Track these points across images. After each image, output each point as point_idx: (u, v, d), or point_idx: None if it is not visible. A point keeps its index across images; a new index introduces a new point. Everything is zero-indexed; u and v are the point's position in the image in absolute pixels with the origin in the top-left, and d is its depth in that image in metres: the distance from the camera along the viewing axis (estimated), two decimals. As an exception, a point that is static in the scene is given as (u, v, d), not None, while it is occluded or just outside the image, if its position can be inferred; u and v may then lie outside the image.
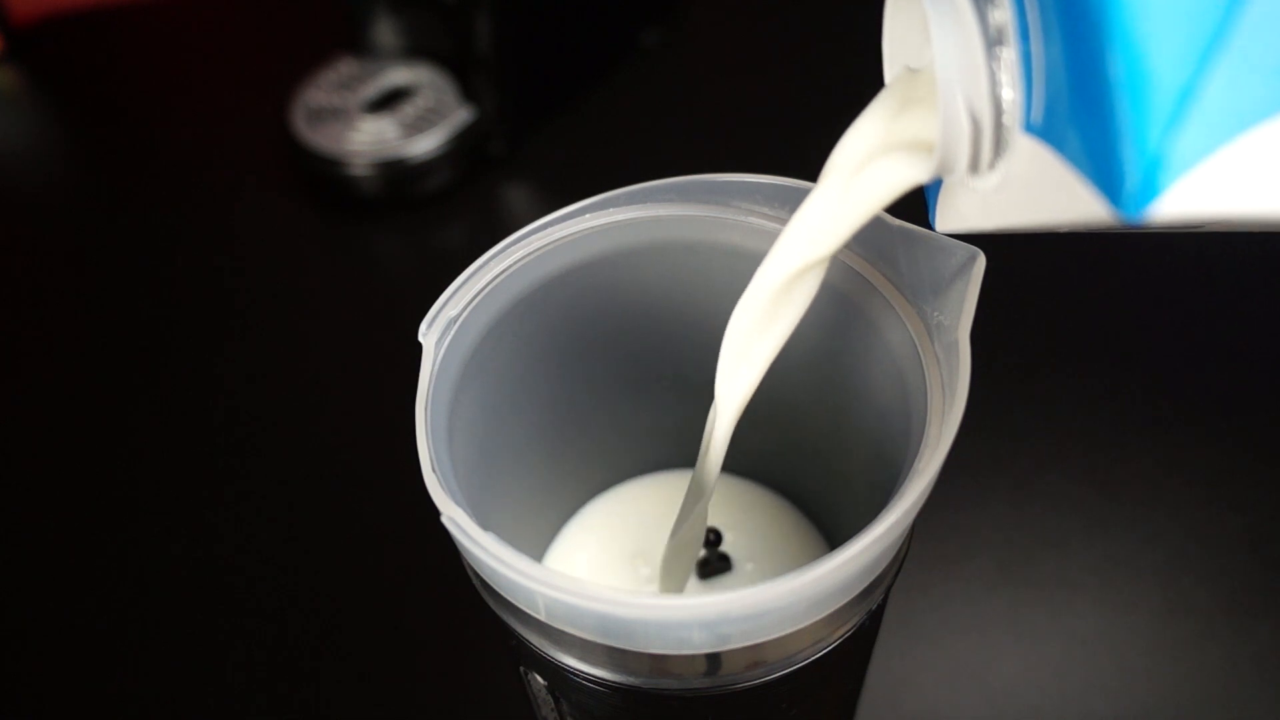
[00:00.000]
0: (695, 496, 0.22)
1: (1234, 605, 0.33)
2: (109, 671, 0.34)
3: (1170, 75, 0.11)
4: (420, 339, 0.20)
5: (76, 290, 0.47)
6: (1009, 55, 0.14)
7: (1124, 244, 0.43)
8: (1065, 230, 0.14)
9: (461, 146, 0.47)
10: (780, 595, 0.16)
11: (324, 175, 0.47)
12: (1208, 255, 0.43)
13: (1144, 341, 0.41)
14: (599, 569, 0.27)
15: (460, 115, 0.47)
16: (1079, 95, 0.13)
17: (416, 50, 0.50)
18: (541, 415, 0.25)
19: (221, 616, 0.35)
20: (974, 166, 0.16)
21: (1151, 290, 0.42)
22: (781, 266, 0.18)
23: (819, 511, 0.27)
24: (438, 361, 0.20)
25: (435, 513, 0.17)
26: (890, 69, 0.19)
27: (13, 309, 0.47)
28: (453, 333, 0.20)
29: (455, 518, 0.17)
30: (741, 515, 0.28)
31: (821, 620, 0.18)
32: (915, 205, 0.19)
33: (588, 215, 0.22)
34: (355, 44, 0.51)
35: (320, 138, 0.47)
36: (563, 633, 0.18)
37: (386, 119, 0.47)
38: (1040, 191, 0.14)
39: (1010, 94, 0.15)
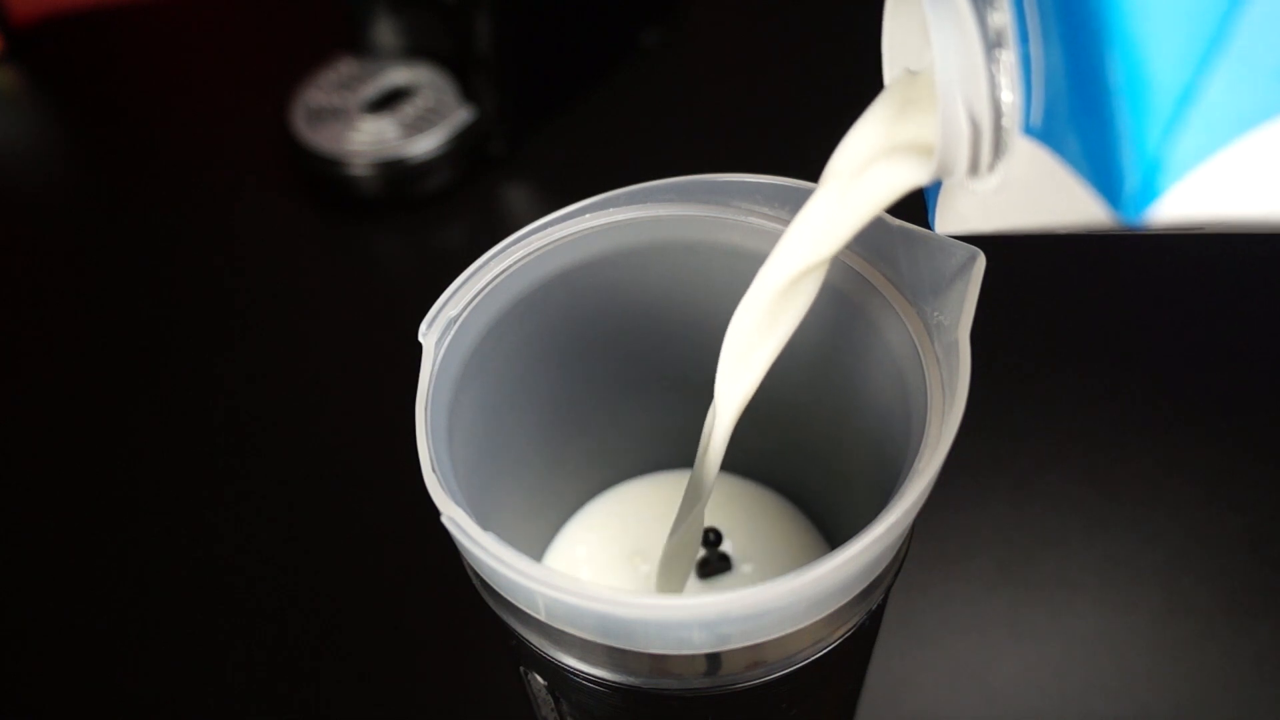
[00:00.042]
0: (694, 497, 0.22)
1: (1234, 605, 0.33)
2: (109, 671, 0.34)
3: (1169, 78, 0.11)
4: (420, 339, 0.20)
5: (76, 290, 0.47)
6: (1008, 58, 0.14)
7: (1124, 244, 0.43)
8: (1065, 232, 0.14)
9: (461, 146, 0.47)
10: (780, 595, 0.16)
11: (324, 175, 0.47)
12: (1208, 255, 0.43)
13: (1144, 341, 0.41)
14: (599, 568, 0.27)
15: (460, 115, 0.47)
16: (1078, 98, 0.13)
17: (416, 50, 0.50)
18: (541, 415, 0.25)
19: (221, 616, 0.35)
20: (973, 169, 0.16)
21: (1151, 290, 0.42)
22: (783, 268, 0.19)
23: (819, 511, 0.27)
24: (438, 361, 0.20)
25: (435, 513, 0.17)
26: (890, 71, 0.19)
27: (13, 309, 0.47)
28: (453, 333, 0.20)
29: (455, 518, 0.17)
30: (741, 515, 0.28)
31: (821, 620, 0.18)
32: (915, 205, 0.19)
33: (588, 215, 0.22)
34: (355, 44, 0.51)
35: (320, 138, 0.47)
36: (563, 633, 0.18)
37: (386, 119, 0.47)
38: (1039, 194, 0.14)
39: (1009, 97, 0.15)
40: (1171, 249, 0.43)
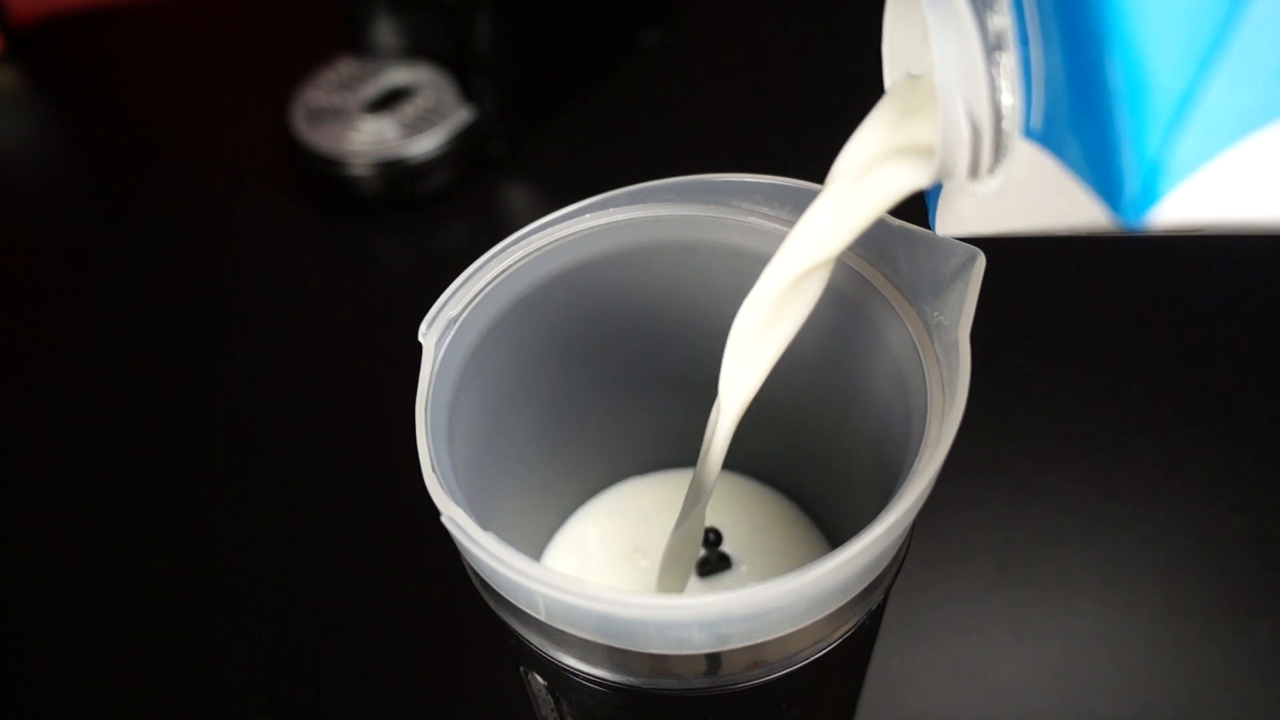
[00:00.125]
0: (695, 495, 0.22)
1: (1234, 605, 0.33)
2: (109, 671, 0.34)
3: (1170, 81, 0.12)
4: (420, 339, 0.20)
5: (76, 290, 0.47)
6: (1009, 61, 0.14)
7: (1124, 245, 0.43)
8: (1065, 234, 0.14)
9: (461, 146, 0.47)
10: (780, 595, 0.16)
11: (324, 175, 0.47)
12: (1208, 256, 0.43)
13: (1144, 341, 0.41)
14: (599, 567, 0.27)
15: (460, 115, 0.47)
16: (1078, 101, 0.13)
17: (416, 50, 0.50)
18: (541, 415, 0.25)
19: (221, 616, 0.35)
20: (974, 172, 0.16)
21: (1151, 290, 0.42)
22: (787, 268, 0.19)
23: (820, 511, 0.27)
24: (438, 361, 0.20)
25: (435, 513, 0.17)
26: (890, 75, 0.19)
27: (13, 309, 0.47)
28: (453, 333, 0.20)
29: (455, 518, 0.17)
30: (742, 514, 0.28)
31: (821, 620, 0.18)
32: (916, 206, 0.19)
33: (588, 215, 0.22)
34: (355, 44, 0.51)
35: (320, 138, 0.47)
36: (563, 633, 0.18)
37: (386, 119, 0.47)
38: (1040, 196, 0.14)
39: (1010, 100, 0.15)
40: (1171, 249, 0.43)
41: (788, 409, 0.24)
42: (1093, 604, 0.33)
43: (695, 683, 0.18)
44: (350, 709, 0.32)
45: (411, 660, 0.33)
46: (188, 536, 0.37)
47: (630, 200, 0.22)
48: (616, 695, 0.19)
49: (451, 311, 0.20)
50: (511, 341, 0.22)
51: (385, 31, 0.50)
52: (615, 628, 0.17)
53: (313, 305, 0.45)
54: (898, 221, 0.20)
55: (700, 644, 0.17)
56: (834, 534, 0.27)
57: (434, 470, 0.18)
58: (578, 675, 0.19)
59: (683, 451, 0.28)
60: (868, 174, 0.18)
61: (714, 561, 0.26)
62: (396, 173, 0.47)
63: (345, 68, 0.50)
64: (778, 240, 0.20)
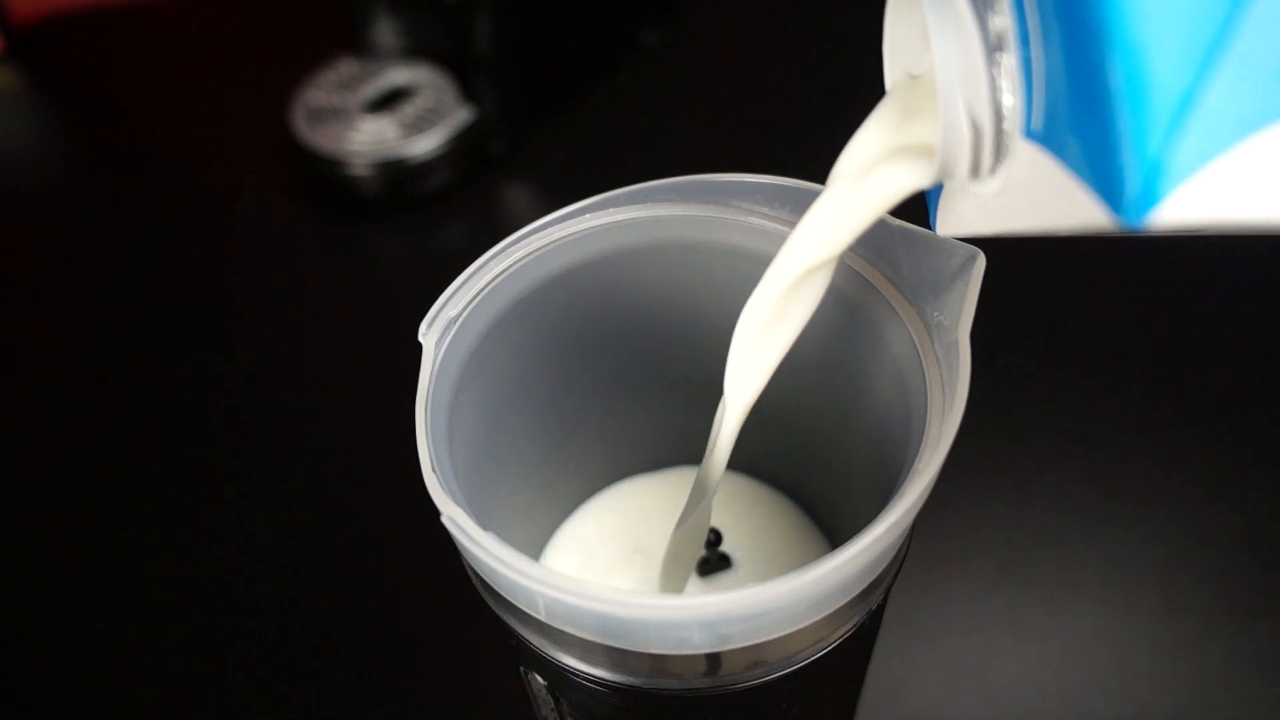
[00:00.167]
0: (699, 494, 0.22)
1: (1234, 605, 0.33)
2: (109, 671, 0.34)
3: (1171, 82, 0.12)
4: (420, 339, 0.20)
5: (76, 290, 0.47)
6: (1009, 61, 0.14)
7: (1124, 245, 0.43)
8: (1065, 234, 0.14)
9: (461, 146, 0.47)
10: (780, 595, 0.16)
11: (324, 175, 0.47)
12: (1208, 256, 0.43)
13: (1144, 342, 0.41)
14: (599, 567, 0.27)
15: (460, 115, 0.47)
16: (1079, 101, 0.13)
17: (416, 50, 0.50)
18: (541, 415, 0.25)
19: (221, 616, 0.35)
20: (975, 172, 0.16)
21: (1151, 291, 0.42)
22: (789, 268, 0.19)
23: (821, 511, 0.27)
24: (438, 361, 0.20)
25: (435, 513, 0.17)
26: (891, 75, 0.19)
27: (13, 309, 0.47)
28: (453, 333, 0.20)
29: (455, 518, 0.17)
30: (743, 514, 0.28)
31: (821, 620, 0.18)
32: (916, 206, 0.19)
33: (588, 215, 0.22)
34: (355, 44, 0.51)
35: (320, 138, 0.47)
36: (563, 633, 0.18)
37: (386, 119, 0.47)
38: (1041, 197, 0.14)
39: (1011, 100, 0.15)
40: (1171, 249, 0.43)
41: (788, 409, 0.24)
42: (1093, 604, 0.33)
43: (695, 683, 0.18)
44: (350, 709, 0.32)
45: (411, 660, 0.33)
46: (188, 536, 0.37)
47: (630, 200, 0.22)
48: (616, 695, 0.19)
49: (451, 311, 0.20)
50: (511, 341, 0.22)
51: (385, 31, 0.50)
52: (615, 628, 0.17)
53: (313, 305, 0.45)
54: (898, 221, 0.20)
55: (700, 644, 0.17)
56: (834, 534, 0.27)
57: (434, 470, 0.18)
58: (578, 675, 0.19)
59: (683, 451, 0.28)
60: (869, 174, 0.18)
61: (714, 561, 0.26)
62: (396, 173, 0.47)
63: (345, 68, 0.50)
64: (778, 240, 0.20)
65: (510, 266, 0.21)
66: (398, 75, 0.49)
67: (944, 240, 0.19)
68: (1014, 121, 0.15)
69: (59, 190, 0.54)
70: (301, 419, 0.41)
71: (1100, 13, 0.12)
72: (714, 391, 0.22)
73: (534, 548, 0.27)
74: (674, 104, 0.53)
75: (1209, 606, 0.33)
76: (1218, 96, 0.11)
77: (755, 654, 0.18)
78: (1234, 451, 0.37)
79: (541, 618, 0.18)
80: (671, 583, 0.25)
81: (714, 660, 0.18)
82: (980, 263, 0.19)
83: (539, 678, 0.21)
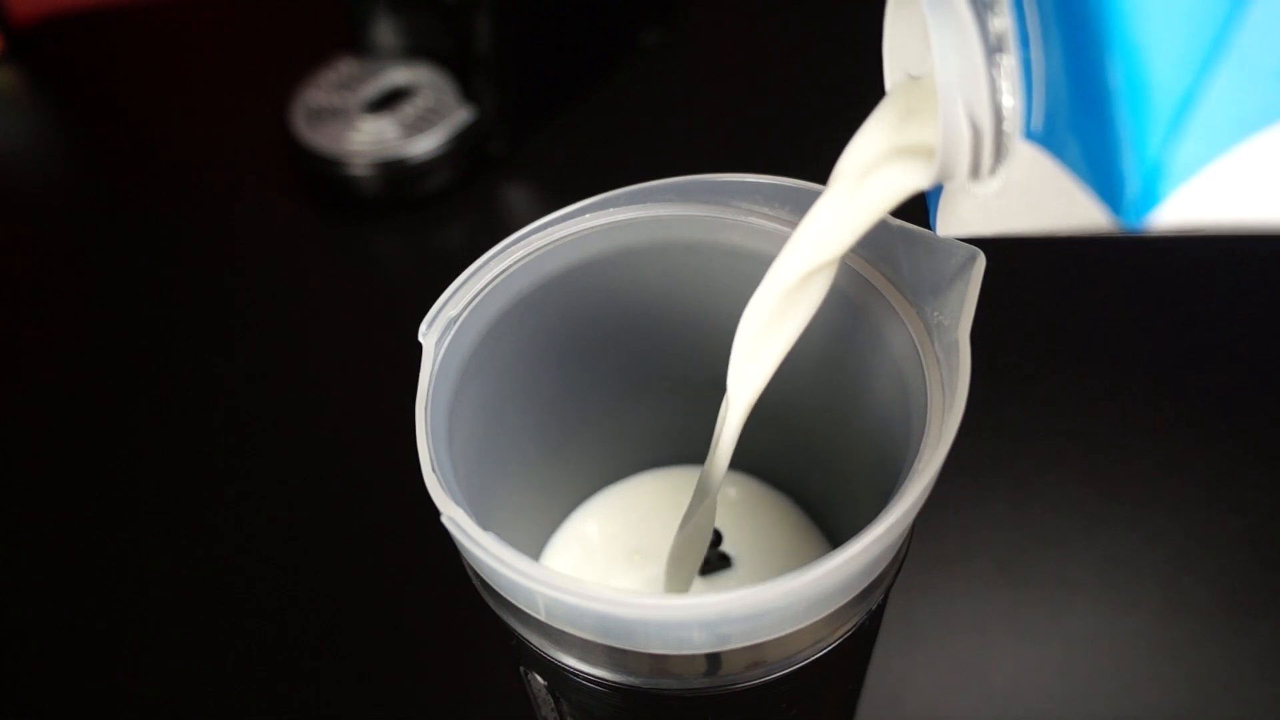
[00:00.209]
0: (703, 493, 0.23)
1: (1234, 605, 0.33)
2: (109, 671, 0.34)
3: (1170, 83, 0.12)
4: (420, 339, 0.20)
5: (76, 290, 0.47)
6: (1009, 62, 0.14)
7: (1124, 245, 0.43)
8: (1065, 235, 0.14)
9: (461, 146, 0.47)
10: (780, 595, 0.16)
11: (324, 175, 0.47)
12: (1208, 256, 0.43)
13: (1144, 342, 0.41)
14: (598, 567, 0.27)
15: (460, 115, 0.47)
16: (1079, 102, 0.13)
17: (416, 50, 0.50)
18: (541, 415, 0.25)
19: (221, 616, 0.35)
20: (975, 173, 0.16)
21: (1152, 291, 0.42)
22: (791, 268, 0.19)
23: (821, 511, 0.27)
24: (438, 361, 0.20)
25: (435, 513, 0.17)
26: (891, 76, 0.19)
27: (13, 309, 0.47)
28: (453, 333, 0.20)
29: (455, 518, 0.17)
30: (744, 513, 0.28)
31: (821, 620, 0.18)
32: (916, 206, 0.19)
33: (588, 215, 0.22)
34: (355, 44, 0.51)
35: (320, 138, 0.47)
36: (563, 633, 0.18)
37: (386, 119, 0.47)
38: (1041, 198, 0.14)
39: (1010, 101, 0.15)
40: (1172, 250, 0.43)
41: (788, 408, 0.24)
42: (1093, 604, 0.33)
43: (695, 683, 0.18)
44: (350, 709, 0.32)
45: (411, 660, 0.33)
46: (188, 536, 0.37)
47: (630, 200, 0.22)
48: (616, 695, 0.19)
49: (451, 311, 0.21)
50: (511, 341, 0.22)
51: (385, 31, 0.50)
52: (615, 628, 0.17)
53: (313, 305, 0.45)
54: (898, 222, 0.20)
55: (700, 644, 0.17)
56: (834, 534, 0.27)
57: (434, 470, 0.18)
58: (578, 675, 0.19)
59: (683, 450, 0.28)
60: (869, 175, 0.18)
61: (714, 561, 0.26)
62: (396, 173, 0.47)
63: (345, 68, 0.50)
64: (778, 240, 0.20)
65: (510, 266, 0.21)
66: (398, 75, 0.49)
67: (944, 240, 0.19)
68: (1014, 122, 0.15)
69: (59, 190, 0.54)
70: (301, 419, 0.41)
71: (1100, 14, 0.12)
72: (714, 391, 0.22)
73: (534, 548, 0.27)
74: (674, 104, 0.53)
75: (1209, 606, 0.33)
76: (1217, 97, 0.11)
77: (755, 654, 0.18)
78: (1234, 452, 0.37)
79: (541, 618, 0.18)
80: (676, 582, 0.25)
81: (714, 660, 0.18)
82: (980, 263, 0.19)
83: (539, 678, 0.21)
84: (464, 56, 0.47)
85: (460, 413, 0.20)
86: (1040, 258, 0.43)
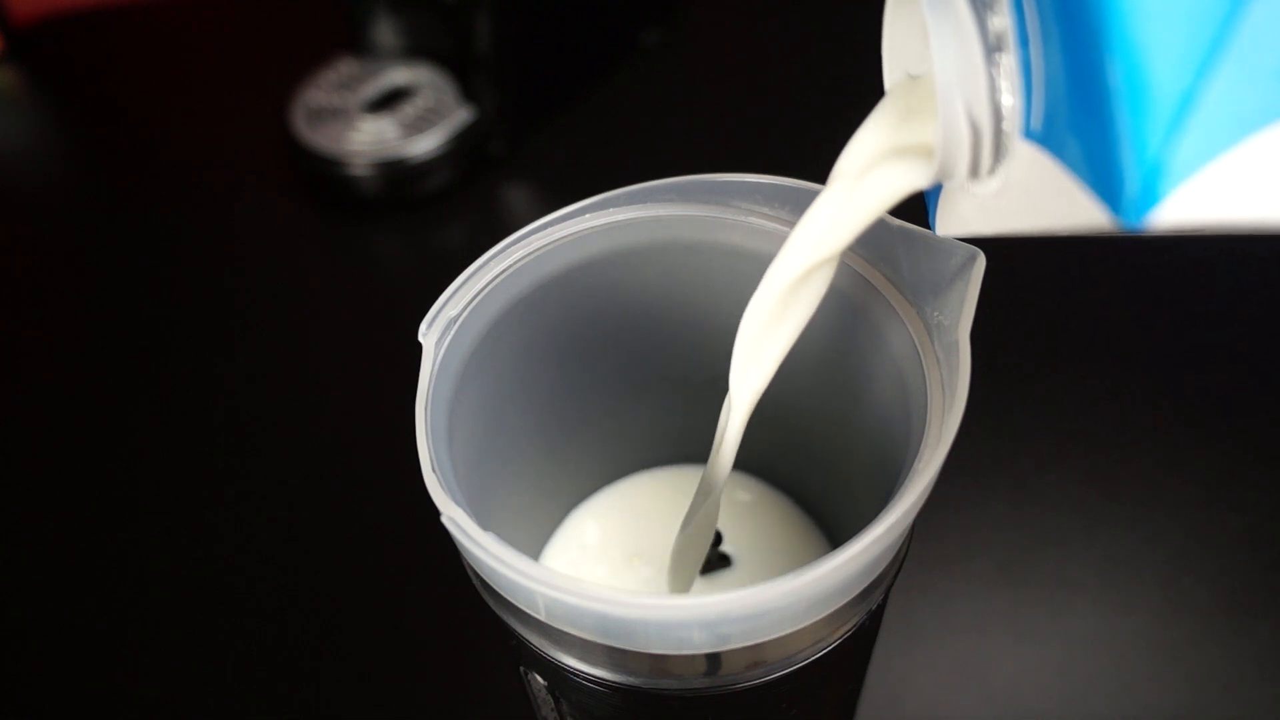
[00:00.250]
0: (705, 492, 0.23)
1: (1234, 605, 0.33)
2: (109, 671, 0.34)
3: (1170, 82, 0.12)
4: (420, 339, 0.20)
5: (76, 290, 0.47)
6: (1008, 62, 0.14)
7: (1124, 245, 0.43)
8: (1065, 234, 0.14)
9: (461, 146, 0.47)
10: (780, 595, 0.16)
11: (324, 175, 0.47)
12: (1208, 256, 0.43)
13: (1144, 342, 0.41)
14: (598, 567, 0.27)
15: (460, 115, 0.47)
16: (1079, 102, 0.13)
17: (416, 50, 0.50)
18: (541, 415, 0.25)
19: (221, 616, 0.35)
20: (974, 172, 0.16)
21: (1152, 291, 0.42)
22: (789, 268, 0.19)
23: (822, 510, 0.27)
24: (438, 361, 0.20)
25: (435, 513, 0.17)
26: (890, 75, 0.19)
27: (13, 309, 0.47)
28: (453, 333, 0.20)
29: (455, 518, 0.17)
30: (743, 513, 0.28)
31: (821, 620, 0.18)
32: (916, 205, 0.19)
33: (588, 215, 0.22)
34: (355, 44, 0.51)
35: (320, 138, 0.47)
36: (563, 633, 0.18)
37: (386, 119, 0.47)
38: (1040, 197, 0.14)
39: (1010, 100, 0.15)
40: (1172, 249, 0.43)
41: (788, 409, 0.24)
42: (1093, 604, 0.33)
43: (695, 683, 0.18)
44: (350, 709, 0.32)
45: (411, 660, 0.33)
46: (188, 536, 0.37)
47: (630, 200, 0.22)
48: (616, 695, 0.19)
49: (451, 311, 0.21)
50: (511, 341, 0.22)
51: (385, 31, 0.50)
52: (615, 628, 0.17)
53: (313, 305, 0.45)
54: (898, 221, 0.20)
55: (700, 644, 0.17)
56: (834, 534, 0.27)
57: (434, 470, 0.18)
58: (578, 675, 0.19)
59: (683, 450, 0.28)
60: (868, 174, 0.18)
61: (714, 561, 0.26)
62: (396, 173, 0.47)
63: (345, 68, 0.50)
64: (778, 240, 0.20)
65: (510, 266, 0.21)
66: (398, 75, 0.49)
67: (944, 240, 0.19)
68: (1013, 122, 0.15)
69: (59, 190, 0.54)
70: (301, 419, 0.41)
71: (1099, 13, 0.12)
72: (714, 391, 0.22)
73: (534, 548, 0.27)
74: (674, 104, 0.53)
75: (1209, 606, 0.33)
76: (1217, 97, 0.11)
77: (755, 654, 0.18)
78: (1234, 452, 0.37)
79: (541, 618, 0.18)
80: (679, 581, 0.25)
81: (714, 660, 0.18)
82: (980, 263, 0.19)
83: (539, 678, 0.21)
84: (464, 56, 0.47)
85: (460, 413, 0.20)
86: (1040, 258, 0.43)
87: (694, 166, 0.22)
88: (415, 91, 0.48)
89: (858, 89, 0.21)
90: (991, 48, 0.15)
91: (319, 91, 0.49)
